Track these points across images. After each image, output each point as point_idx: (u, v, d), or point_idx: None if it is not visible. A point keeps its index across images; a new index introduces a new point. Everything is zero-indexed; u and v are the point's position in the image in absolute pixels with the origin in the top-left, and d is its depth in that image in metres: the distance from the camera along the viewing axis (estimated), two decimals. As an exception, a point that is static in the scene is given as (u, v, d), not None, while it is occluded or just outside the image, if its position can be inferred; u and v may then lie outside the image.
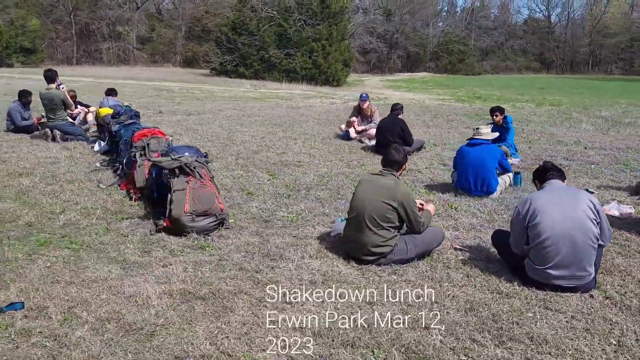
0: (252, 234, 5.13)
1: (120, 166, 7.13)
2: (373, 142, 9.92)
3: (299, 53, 35.28)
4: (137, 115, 8.59)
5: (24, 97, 10.35)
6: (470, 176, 6.42)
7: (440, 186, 7.07)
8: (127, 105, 9.87)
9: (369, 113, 10.51)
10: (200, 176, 5.23)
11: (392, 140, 8.92)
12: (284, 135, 10.83)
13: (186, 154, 5.61)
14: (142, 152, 6.34)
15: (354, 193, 4.57)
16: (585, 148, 10.10)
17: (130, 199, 6.12)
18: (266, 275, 4.16)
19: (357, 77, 45.04)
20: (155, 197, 5.76)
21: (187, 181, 5.14)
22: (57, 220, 5.37)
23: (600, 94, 29.14)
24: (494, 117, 9.10)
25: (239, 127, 11.95)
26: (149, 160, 5.51)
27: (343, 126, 10.73)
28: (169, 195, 5.09)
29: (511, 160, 8.46)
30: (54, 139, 9.34)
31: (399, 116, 9.25)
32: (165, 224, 5.07)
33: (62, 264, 4.30)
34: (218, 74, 37.42)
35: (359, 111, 10.62)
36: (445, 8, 70.68)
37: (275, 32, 36.58)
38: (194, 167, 5.23)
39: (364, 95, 10.67)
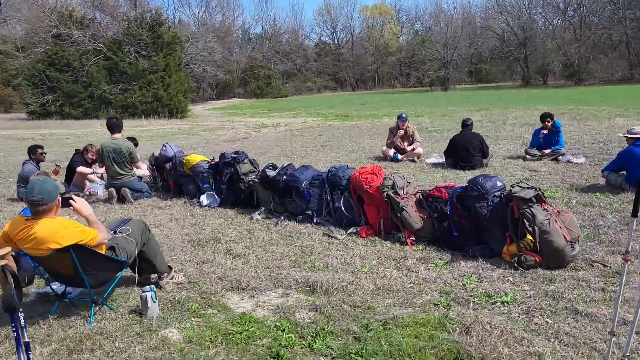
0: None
1: (314, 213, 6.15)
2: (430, 160, 10.02)
3: (136, 87, 32.80)
4: (247, 157, 7.35)
5: (34, 153, 8.11)
6: (647, 169, 6.91)
7: (601, 188, 7.44)
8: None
9: (411, 132, 10.52)
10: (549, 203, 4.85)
11: (474, 154, 9.16)
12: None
13: (490, 182, 5.12)
14: (395, 192, 5.52)
15: None
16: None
17: (403, 243, 5.33)
18: None
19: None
20: (456, 235, 5.15)
21: (544, 209, 4.73)
22: (381, 294, 4.47)
23: (422, 104, 32.76)
24: (546, 122, 9.89)
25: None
26: (511, 197, 4.83)
27: (385, 148, 10.55)
28: (536, 228, 4.62)
29: (579, 160, 9.32)
30: (122, 200, 7.48)
31: (472, 130, 9.51)
32: (536, 259, 4.60)
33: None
34: (39, 117, 32.67)
35: (398, 131, 10.55)
36: (241, 35, 72.09)
37: (105, 66, 33.47)
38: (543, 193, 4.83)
39: (404, 115, 10.64)
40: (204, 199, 7.26)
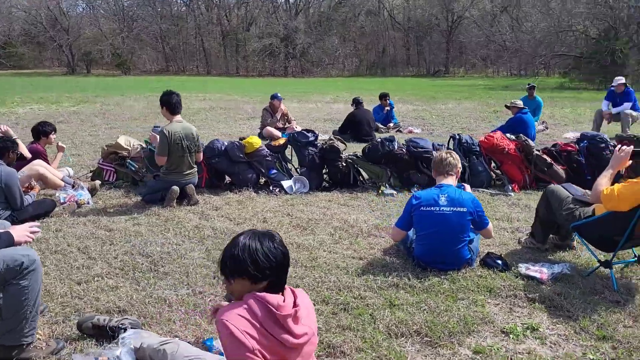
0: None
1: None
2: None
3: None
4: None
5: (11, 149, 4.74)
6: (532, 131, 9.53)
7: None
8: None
9: (286, 111, 10.50)
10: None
11: (372, 127, 10.30)
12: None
13: (605, 135, 6.80)
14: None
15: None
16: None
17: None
18: None
19: None
20: (589, 178, 6.64)
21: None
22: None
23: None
24: (385, 100, 11.72)
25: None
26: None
27: (268, 128, 10.14)
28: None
29: (418, 130, 11.57)
30: (188, 201, 5.40)
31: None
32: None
33: None
34: None
35: (274, 111, 10.34)
36: None
37: None
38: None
39: (279, 95, 10.39)
40: (290, 184, 6.13)
